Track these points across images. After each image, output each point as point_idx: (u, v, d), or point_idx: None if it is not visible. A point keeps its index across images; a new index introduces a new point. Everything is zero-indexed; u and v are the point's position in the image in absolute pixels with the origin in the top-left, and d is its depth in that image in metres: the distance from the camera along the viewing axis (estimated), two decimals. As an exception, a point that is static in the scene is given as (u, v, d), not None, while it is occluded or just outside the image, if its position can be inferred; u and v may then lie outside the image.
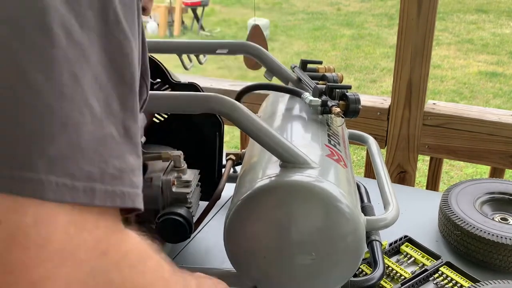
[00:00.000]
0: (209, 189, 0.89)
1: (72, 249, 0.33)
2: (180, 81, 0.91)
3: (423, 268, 0.86)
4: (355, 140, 1.03)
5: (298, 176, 0.66)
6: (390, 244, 0.92)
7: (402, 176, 1.50)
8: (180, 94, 0.67)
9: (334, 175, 0.70)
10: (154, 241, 0.44)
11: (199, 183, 0.88)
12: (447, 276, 0.84)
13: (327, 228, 0.65)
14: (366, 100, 1.48)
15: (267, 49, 1.04)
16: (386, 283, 0.83)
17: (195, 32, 7.08)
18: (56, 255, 0.32)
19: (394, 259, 0.90)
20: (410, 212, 1.00)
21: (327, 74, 0.93)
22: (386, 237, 0.90)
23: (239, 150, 1.03)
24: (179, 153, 0.82)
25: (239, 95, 0.92)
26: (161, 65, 0.90)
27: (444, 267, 0.86)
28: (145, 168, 0.82)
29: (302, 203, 0.65)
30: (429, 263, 0.87)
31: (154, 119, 0.93)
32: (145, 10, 0.61)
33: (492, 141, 1.35)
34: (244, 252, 0.69)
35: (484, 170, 2.95)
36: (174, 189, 0.80)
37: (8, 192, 0.30)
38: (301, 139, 0.77)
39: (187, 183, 0.81)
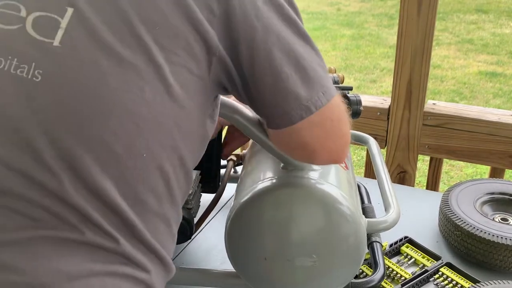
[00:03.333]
0: (207, 188, 0.90)
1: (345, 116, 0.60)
2: None
3: (424, 269, 0.86)
4: (356, 140, 1.03)
5: (299, 178, 0.66)
6: (391, 245, 0.92)
7: (402, 176, 1.50)
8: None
9: (335, 177, 0.70)
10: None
11: (200, 184, 0.88)
12: (448, 276, 0.84)
13: (328, 230, 0.65)
14: (366, 100, 1.48)
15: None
16: (386, 284, 0.83)
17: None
18: (346, 122, 0.60)
19: (394, 260, 0.90)
20: (410, 213, 1.00)
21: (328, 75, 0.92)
22: (387, 238, 0.90)
23: (240, 151, 1.03)
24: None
25: None
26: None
27: (444, 268, 0.86)
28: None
29: (303, 205, 0.65)
30: (430, 264, 0.87)
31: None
32: None
33: (492, 141, 1.35)
34: (245, 253, 0.69)
35: (484, 170, 2.95)
36: (174, 190, 0.79)
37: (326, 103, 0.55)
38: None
39: (187, 184, 0.81)
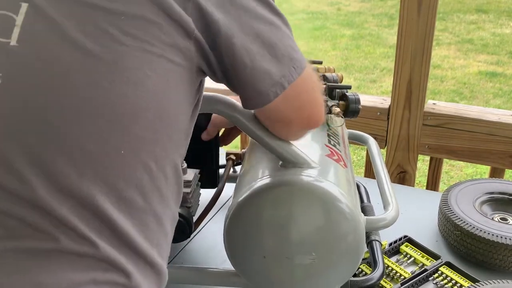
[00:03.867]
0: (207, 183, 0.91)
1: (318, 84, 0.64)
2: None
3: (423, 268, 0.86)
4: (355, 140, 1.03)
5: (298, 176, 0.66)
6: (390, 244, 0.92)
7: (402, 176, 1.50)
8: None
9: (334, 175, 0.70)
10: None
11: (199, 183, 0.88)
12: (447, 276, 0.84)
13: (326, 228, 0.65)
14: (366, 100, 1.48)
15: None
16: (386, 283, 0.83)
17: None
18: (319, 90, 0.64)
19: (394, 259, 0.90)
20: (410, 212, 1.00)
21: (327, 74, 0.92)
22: (386, 237, 0.90)
23: (239, 150, 1.03)
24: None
25: None
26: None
27: (443, 267, 0.86)
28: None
29: (302, 203, 0.65)
30: (429, 263, 0.87)
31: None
32: None
33: (492, 141, 1.35)
34: (244, 251, 0.69)
35: (484, 170, 2.95)
36: (174, 189, 0.80)
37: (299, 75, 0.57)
38: (301, 139, 0.77)
39: (187, 183, 0.81)
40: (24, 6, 0.47)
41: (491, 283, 0.77)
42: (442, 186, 1.75)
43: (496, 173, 1.43)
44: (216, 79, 0.57)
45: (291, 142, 0.69)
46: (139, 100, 0.48)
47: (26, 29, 0.46)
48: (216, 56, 0.53)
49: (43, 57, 0.46)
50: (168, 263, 0.90)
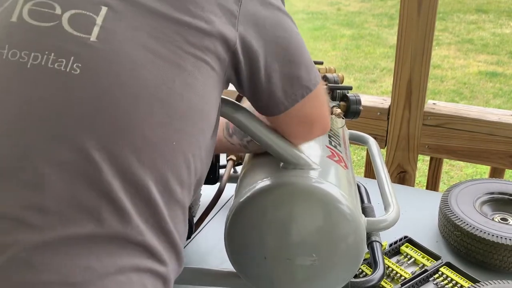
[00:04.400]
0: (207, 179, 0.92)
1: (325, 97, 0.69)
2: None
3: (423, 269, 0.86)
4: (356, 140, 1.03)
5: (299, 177, 0.66)
6: (390, 245, 0.92)
7: (402, 176, 1.50)
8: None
9: (335, 176, 0.70)
10: None
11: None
12: (447, 276, 0.84)
13: (327, 229, 0.65)
14: (366, 100, 1.48)
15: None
16: (386, 283, 0.83)
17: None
18: (326, 105, 0.69)
19: (394, 259, 0.90)
20: (410, 213, 1.00)
21: (328, 74, 0.93)
22: (386, 238, 0.91)
23: (239, 151, 1.03)
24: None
25: (240, 96, 0.92)
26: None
27: (444, 268, 0.86)
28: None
29: (303, 204, 0.65)
30: (429, 264, 0.87)
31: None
32: None
33: (492, 141, 1.35)
34: (245, 252, 0.69)
35: (484, 170, 2.94)
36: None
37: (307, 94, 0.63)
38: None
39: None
40: (104, 9, 0.52)
41: (491, 284, 0.77)
42: (442, 186, 1.75)
43: (496, 173, 1.43)
44: (241, 89, 0.63)
45: (295, 145, 0.69)
46: (191, 100, 0.54)
47: (105, 28, 0.52)
48: (247, 71, 0.60)
49: (120, 54, 0.51)
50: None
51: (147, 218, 0.51)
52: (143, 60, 0.51)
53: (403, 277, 0.84)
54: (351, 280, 0.72)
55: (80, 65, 0.50)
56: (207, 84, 0.55)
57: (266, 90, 0.61)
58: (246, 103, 0.70)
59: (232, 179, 0.92)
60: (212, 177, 0.95)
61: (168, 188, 0.53)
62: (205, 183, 0.93)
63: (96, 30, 0.51)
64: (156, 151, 0.51)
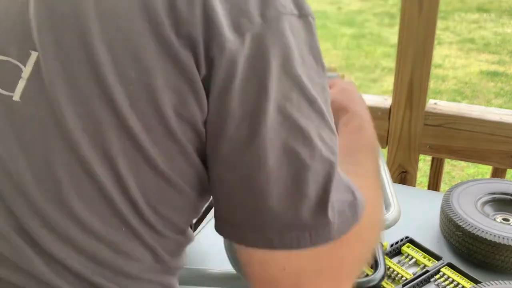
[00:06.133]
0: None
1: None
2: None
3: (425, 269, 0.86)
4: (356, 140, 1.03)
5: (299, 177, 0.66)
6: (391, 245, 0.91)
7: (403, 176, 1.49)
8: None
9: (335, 176, 0.69)
10: None
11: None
12: (449, 277, 0.84)
13: (327, 230, 0.65)
14: (367, 99, 1.46)
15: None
16: (387, 284, 0.82)
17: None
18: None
19: (395, 260, 0.89)
20: (412, 213, 0.99)
21: (328, 73, 0.92)
22: (387, 238, 0.90)
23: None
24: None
25: None
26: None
27: (445, 268, 0.86)
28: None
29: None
30: (431, 264, 0.87)
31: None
32: None
33: (493, 141, 1.34)
34: (244, 253, 0.68)
35: (485, 170, 2.94)
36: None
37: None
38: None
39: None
40: (34, 56, 0.42)
41: (493, 284, 0.77)
42: (444, 186, 1.74)
43: (498, 173, 1.43)
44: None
45: None
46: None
47: (31, 83, 0.42)
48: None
49: (45, 122, 0.41)
50: (168, 264, 0.90)
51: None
52: (73, 129, 0.41)
53: (404, 278, 0.84)
54: (352, 281, 0.72)
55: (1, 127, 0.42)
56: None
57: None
58: None
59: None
60: None
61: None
62: None
63: (21, 85, 0.41)
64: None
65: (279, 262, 0.40)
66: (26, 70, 0.42)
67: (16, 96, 0.42)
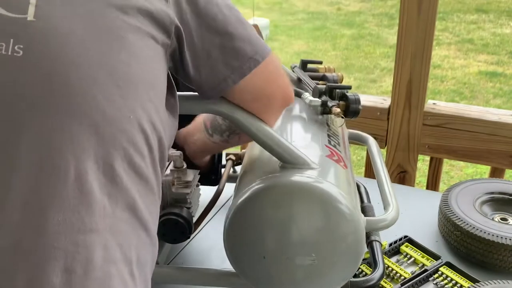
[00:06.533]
0: (209, 180, 0.92)
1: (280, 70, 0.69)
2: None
3: (423, 269, 0.86)
4: (355, 140, 1.03)
5: (298, 177, 0.66)
6: (390, 244, 0.92)
7: (402, 176, 1.50)
8: (181, 94, 0.67)
9: (334, 176, 0.70)
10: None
11: (199, 183, 0.88)
12: (447, 276, 0.84)
13: (327, 229, 0.65)
14: (366, 100, 1.48)
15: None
16: (386, 283, 0.83)
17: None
18: (282, 78, 0.69)
19: (394, 259, 0.90)
20: (410, 212, 1.00)
21: (327, 74, 0.93)
22: (386, 238, 0.90)
23: (239, 150, 1.03)
24: (179, 153, 0.82)
25: None
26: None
27: (444, 267, 0.86)
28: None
29: (302, 204, 0.65)
30: (429, 263, 0.87)
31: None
32: None
33: (492, 141, 1.35)
34: (244, 252, 0.69)
35: (484, 170, 2.94)
36: (174, 189, 0.80)
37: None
38: (301, 139, 0.77)
39: (187, 184, 0.81)
40: None
41: (491, 284, 0.77)
42: (442, 186, 1.75)
43: (496, 173, 1.43)
44: (186, 71, 0.61)
45: (291, 143, 0.69)
46: (137, 68, 0.53)
47: (40, 7, 0.50)
48: (188, 48, 0.59)
49: (61, 31, 0.49)
50: (168, 264, 0.90)
51: (116, 200, 0.50)
52: (85, 34, 0.50)
53: (402, 277, 0.84)
54: (351, 279, 0.72)
55: (21, 46, 0.48)
56: (151, 56, 0.55)
57: (208, 65, 0.61)
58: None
59: (231, 178, 0.92)
60: (214, 178, 0.95)
61: (132, 163, 0.52)
62: (206, 184, 0.93)
63: (31, 9, 0.49)
64: (114, 126, 0.50)
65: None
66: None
67: (30, 17, 0.49)
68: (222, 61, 0.61)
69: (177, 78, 0.64)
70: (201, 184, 0.90)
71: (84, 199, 0.48)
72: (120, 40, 0.52)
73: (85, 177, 0.48)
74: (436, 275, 0.85)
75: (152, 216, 0.56)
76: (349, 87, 0.84)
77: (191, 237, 0.92)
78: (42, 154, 0.47)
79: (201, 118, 0.84)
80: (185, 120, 0.91)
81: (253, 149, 0.81)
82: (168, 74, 0.61)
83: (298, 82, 0.94)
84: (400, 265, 0.87)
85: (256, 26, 1.59)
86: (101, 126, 0.49)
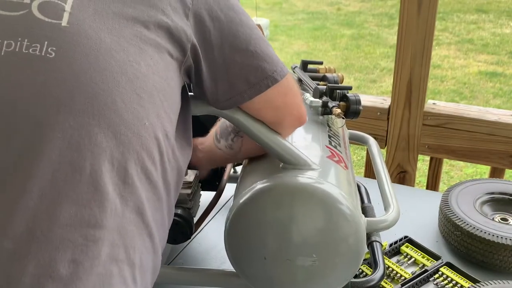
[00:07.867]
0: (211, 185, 0.90)
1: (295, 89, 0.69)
2: None
3: (423, 269, 0.86)
4: (356, 140, 1.03)
5: (299, 178, 0.66)
6: (390, 245, 0.92)
7: (402, 176, 1.50)
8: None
9: (335, 176, 0.70)
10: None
11: (200, 184, 0.88)
12: (447, 276, 0.84)
13: (327, 230, 0.65)
14: (366, 100, 1.48)
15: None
16: (386, 283, 0.83)
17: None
18: (297, 97, 0.70)
19: (394, 259, 0.90)
20: (410, 213, 1.00)
21: (328, 74, 0.93)
22: (386, 238, 0.90)
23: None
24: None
25: None
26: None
27: (444, 268, 0.86)
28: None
29: (303, 205, 0.65)
30: (429, 264, 0.87)
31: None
32: None
33: (492, 141, 1.35)
34: (245, 253, 0.69)
35: (484, 170, 2.94)
36: (174, 190, 0.80)
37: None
38: (302, 140, 0.77)
39: (187, 184, 0.81)
40: None
41: (491, 284, 0.77)
42: (442, 186, 1.75)
43: (496, 173, 1.43)
44: (201, 84, 0.63)
45: (292, 143, 0.69)
46: (155, 80, 0.56)
47: (74, 15, 0.54)
48: (206, 56, 0.61)
49: (90, 37, 0.53)
50: (168, 264, 0.90)
51: (127, 201, 0.52)
52: (111, 43, 0.54)
53: (403, 277, 0.84)
54: (351, 280, 0.72)
55: (54, 48, 0.52)
56: (166, 69, 0.58)
57: (227, 80, 0.63)
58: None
59: (232, 179, 0.92)
60: (218, 184, 0.94)
61: (144, 168, 0.54)
62: (209, 190, 0.92)
63: (66, 16, 0.54)
64: (130, 130, 0.53)
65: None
66: (67, 6, 0.54)
67: (64, 23, 0.53)
68: (241, 77, 0.63)
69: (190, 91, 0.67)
70: (203, 190, 0.90)
71: (97, 196, 0.50)
72: (141, 52, 0.55)
73: (100, 176, 0.50)
74: (437, 275, 0.85)
75: (156, 224, 0.57)
76: (350, 88, 0.84)
77: (192, 238, 0.92)
78: (62, 149, 0.49)
79: (215, 128, 0.85)
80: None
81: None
82: (183, 92, 0.63)
83: (299, 82, 0.94)
84: (400, 266, 0.87)
85: (259, 26, 1.59)
86: (118, 129, 0.52)
